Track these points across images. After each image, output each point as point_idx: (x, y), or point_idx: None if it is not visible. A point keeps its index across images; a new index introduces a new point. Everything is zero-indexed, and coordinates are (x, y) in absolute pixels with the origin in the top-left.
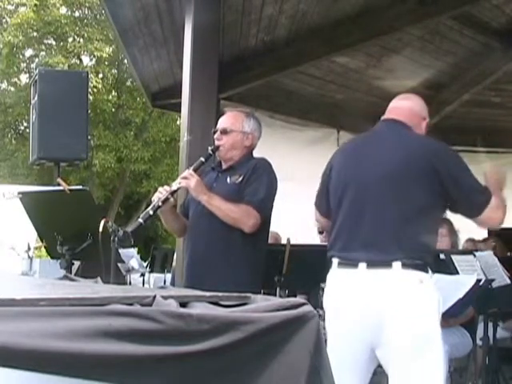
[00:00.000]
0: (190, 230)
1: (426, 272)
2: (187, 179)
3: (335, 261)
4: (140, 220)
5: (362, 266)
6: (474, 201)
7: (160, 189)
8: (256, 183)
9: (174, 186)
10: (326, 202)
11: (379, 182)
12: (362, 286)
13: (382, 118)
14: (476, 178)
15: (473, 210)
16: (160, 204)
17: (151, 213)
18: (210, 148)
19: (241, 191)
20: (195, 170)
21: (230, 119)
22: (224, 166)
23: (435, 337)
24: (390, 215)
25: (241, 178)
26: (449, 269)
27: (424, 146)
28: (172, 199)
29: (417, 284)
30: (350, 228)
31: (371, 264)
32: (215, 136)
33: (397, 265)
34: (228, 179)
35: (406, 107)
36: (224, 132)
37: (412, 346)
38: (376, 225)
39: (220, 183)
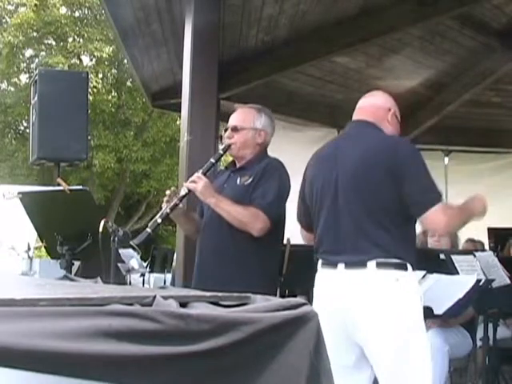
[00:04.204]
0: (202, 231)
1: (405, 270)
2: (195, 182)
3: (320, 262)
4: (148, 230)
5: (341, 266)
6: (421, 198)
7: (167, 192)
8: (265, 186)
9: (182, 191)
10: (306, 216)
11: (348, 184)
12: (339, 287)
13: (349, 121)
14: (431, 177)
15: (418, 208)
16: (168, 211)
17: (159, 221)
18: (220, 148)
19: (249, 193)
20: (205, 173)
21: (241, 116)
22: (237, 166)
23: (416, 335)
24: (362, 216)
25: (250, 180)
26: (449, 269)
27: (382, 143)
28: (181, 205)
29: (392, 283)
30: (329, 232)
31: (349, 265)
32: (226, 134)
33: (371, 264)
34: (238, 180)
35: (368, 105)
36: (235, 130)
37: (390, 345)
38: (352, 226)
39: (230, 184)
